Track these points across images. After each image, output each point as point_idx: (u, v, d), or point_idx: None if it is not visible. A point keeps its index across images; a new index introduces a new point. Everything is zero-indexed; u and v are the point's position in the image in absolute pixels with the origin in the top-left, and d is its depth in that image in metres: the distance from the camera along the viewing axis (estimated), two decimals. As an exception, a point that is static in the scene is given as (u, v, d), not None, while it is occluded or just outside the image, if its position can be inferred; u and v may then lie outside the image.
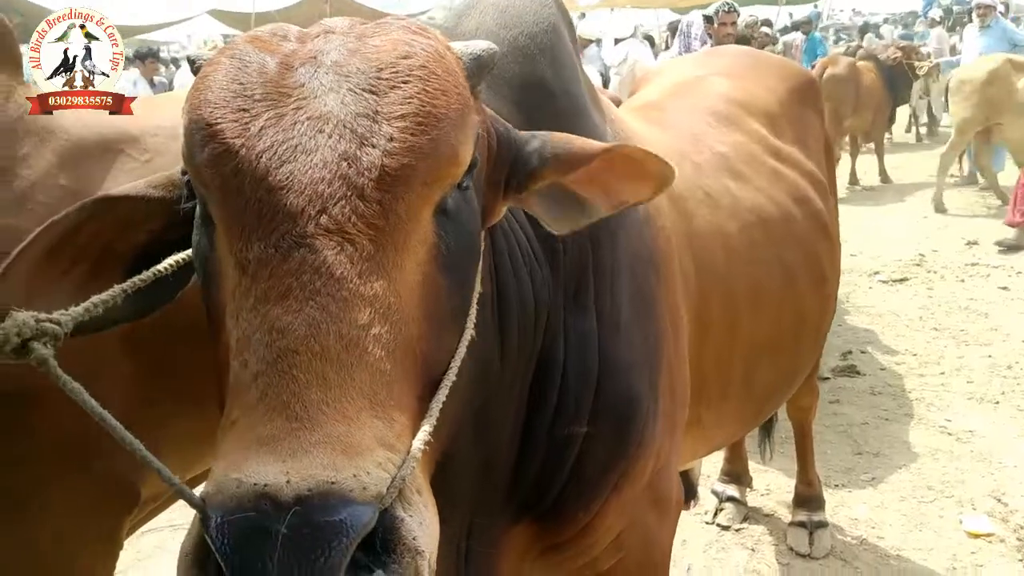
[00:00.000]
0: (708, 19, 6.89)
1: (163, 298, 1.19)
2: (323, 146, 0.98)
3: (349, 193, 0.96)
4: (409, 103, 1.03)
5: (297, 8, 19.74)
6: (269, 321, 0.90)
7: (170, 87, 10.06)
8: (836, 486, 3.80)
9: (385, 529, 0.82)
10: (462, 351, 1.09)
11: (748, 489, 3.70)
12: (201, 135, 1.02)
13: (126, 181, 1.88)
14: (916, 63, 11.70)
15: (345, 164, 0.97)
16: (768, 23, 13.35)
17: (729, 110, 2.63)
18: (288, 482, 0.79)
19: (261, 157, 0.97)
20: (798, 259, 2.40)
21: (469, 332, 1.12)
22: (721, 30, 6.78)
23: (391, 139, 1.00)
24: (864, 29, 21.18)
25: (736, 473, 3.67)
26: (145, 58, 9.07)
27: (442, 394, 1.01)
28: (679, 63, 3.46)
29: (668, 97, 2.73)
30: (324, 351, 0.88)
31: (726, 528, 3.54)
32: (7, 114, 1.80)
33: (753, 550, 3.41)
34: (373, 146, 0.99)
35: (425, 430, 0.94)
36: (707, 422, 2.18)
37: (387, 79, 1.04)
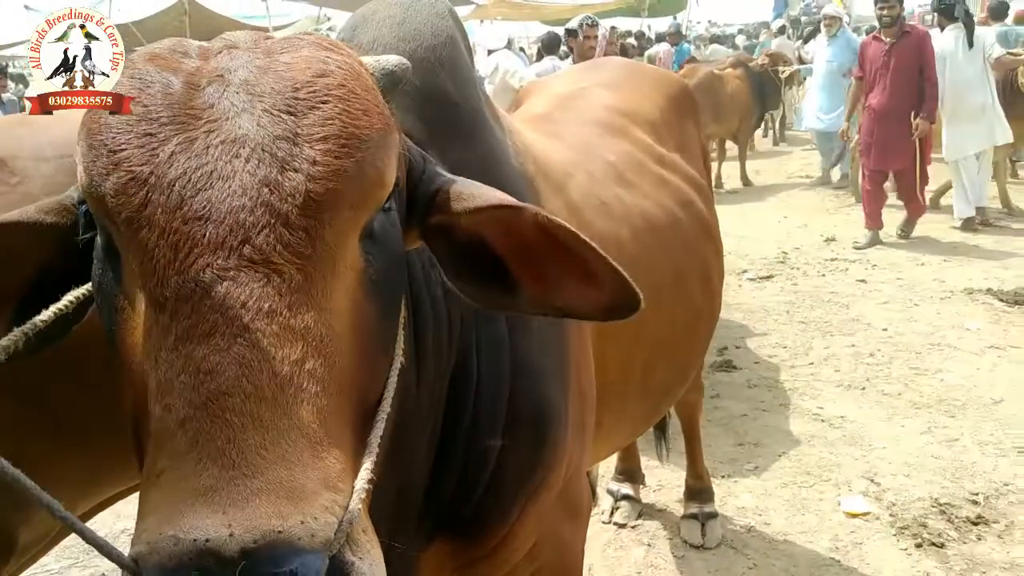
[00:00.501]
0: (571, 32, 7.07)
1: (57, 334, 1.10)
2: (240, 171, 0.92)
3: (273, 221, 0.91)
4: (331, 124, 0.98)
5: (154, 19, 18.97)
6: (194, 362, 0.84)
7: (19, 105, 9.44)
8: (722, 477, 3.95)
9: None
10: (394, 379, 1.06)
11: (641, 486, 3.81)
12: (103, 163, 0.95)
13: None
14: (780, 68, 12.37)
15: (266, 190, 0.92)
16: (640, 35, 13.80)
17: (614, 120, 2.71)
18: (232, 535, 0.75)
19: (174, 185, 0.91)
20: (687, 261, 2.49)
21: (399, 360, 1.09)
22: (585, 43, 6.98)
23: (314, 162, 0.95)
24: (714, 40, 22.22)
25: (630, 471, 3.77)
26: (-8, 75, 8.47)
27: (379, 427, 0.97)
28: (561, 76, 3.54)
29: (555, 109, 2.78)
30: (257, 391, 0.83)
31: (622, 526, 3.63)
32: None
33: (649, 545, 3.52)
34: (295, 170, 0.94)
35: (366, 468, 0.90)
36: (608, 424, 2.23)
37: (304, 99, 0.99)
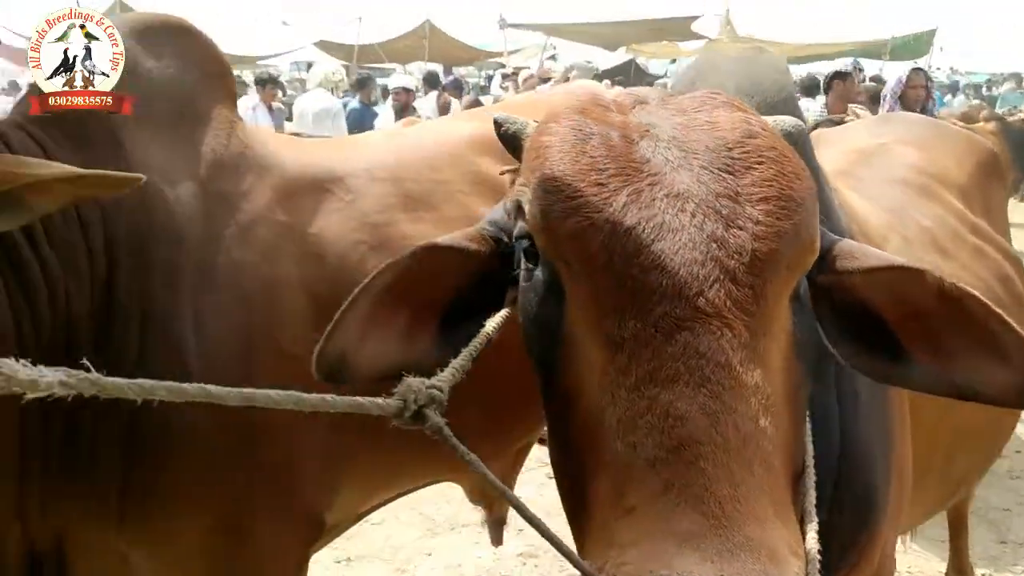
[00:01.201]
0: (841, 75, 6.75)
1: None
2: (688, 225, 0.95)
3: (722, 276, 0.93)
4: (770, 185, 1.00)
5: (397, 42, 20.35)
6: (661, 405, 0.87)
7: (288, 113, 10.29)
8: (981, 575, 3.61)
9: None
10: (810, 444, 1.05)
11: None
12: (561, 207, 1.00)
13: (333, 220, 1.92)
14: None
15: (715, 246, 0.95)
16: (877, 79, 13.11)
17: (922, 182, 2.56)
18: None
19: (630, 234, 0.95)
20: (1004, 343, 2.29)
21: (808, 424, 1.08)
22: (853, 88, 6.64)
23: (757, 222, 0.97)
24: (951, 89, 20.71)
25: (881, 553, 3.52)
26: (266, 84, 9.10)
27: (812, 493, 0.98)
28: (852, 129, 3.39)
29: (855, 165, 2.66)
30: (726, 443, 0.85)
31: (870, 609, 3.39)
32: (231, 149, 1.84)
33: (899, 636, 3.26)
34: (740, 228, 0.96)
35: (812, 536, 0.90)
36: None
37: (739, 158, 1.02)
